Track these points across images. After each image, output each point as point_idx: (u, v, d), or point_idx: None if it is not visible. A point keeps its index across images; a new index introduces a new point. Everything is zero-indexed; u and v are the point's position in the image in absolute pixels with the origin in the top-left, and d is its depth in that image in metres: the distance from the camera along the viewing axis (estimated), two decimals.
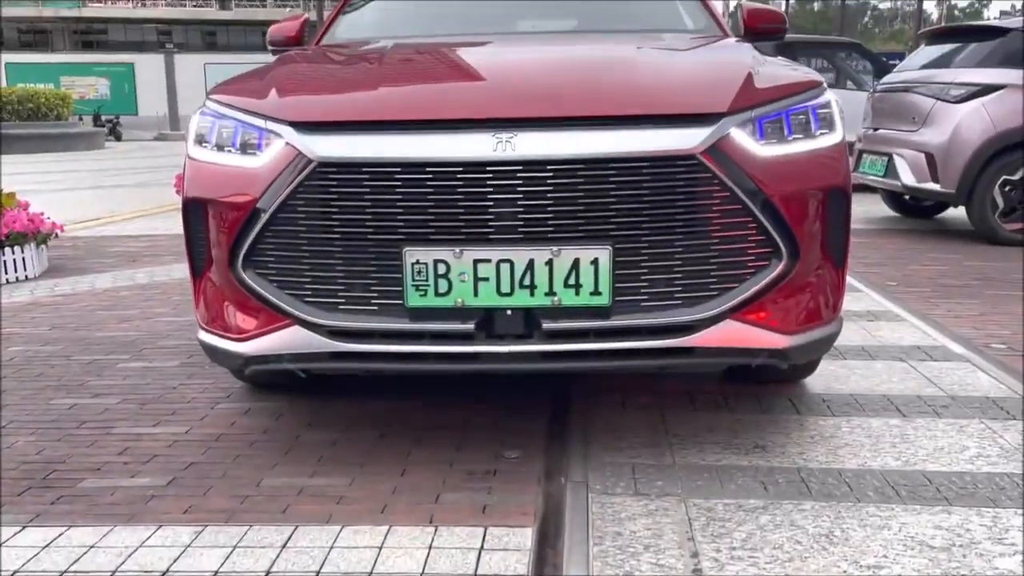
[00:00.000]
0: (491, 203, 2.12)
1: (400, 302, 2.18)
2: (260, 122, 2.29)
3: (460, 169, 2.11)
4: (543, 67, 2.61)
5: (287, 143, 2.22)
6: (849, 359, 3.32)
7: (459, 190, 2.12)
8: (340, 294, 2.22)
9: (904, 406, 2.81)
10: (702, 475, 2.31)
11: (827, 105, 2.41)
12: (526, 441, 2.55)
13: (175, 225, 6.84)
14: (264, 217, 2.21)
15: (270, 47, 3.56)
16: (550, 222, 2.12)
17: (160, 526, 2.08)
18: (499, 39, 3.24)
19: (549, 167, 2.11)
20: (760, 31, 3.43)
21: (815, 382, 3.04)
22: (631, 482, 2.27)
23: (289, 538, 2.01)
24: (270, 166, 2.23)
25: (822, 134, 2.36)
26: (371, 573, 1.86)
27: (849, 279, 4.73)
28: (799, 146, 2.30)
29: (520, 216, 2.12)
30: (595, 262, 2.13)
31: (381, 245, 2.17)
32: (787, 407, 2.82)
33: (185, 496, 2.25)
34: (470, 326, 2.17)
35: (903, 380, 3.08)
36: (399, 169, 2.13)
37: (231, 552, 1.95)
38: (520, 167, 2.11)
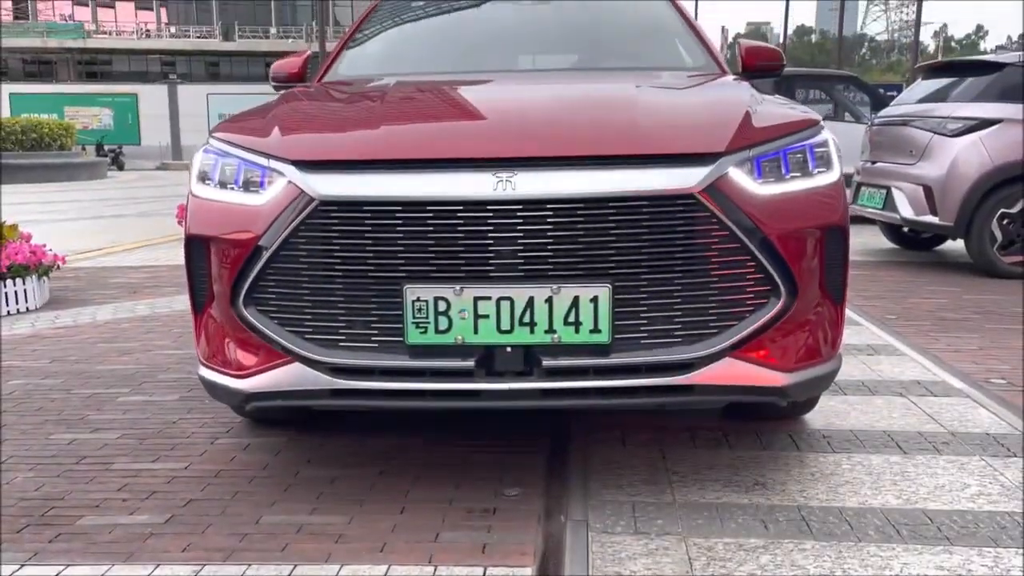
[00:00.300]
0: (491, 241, 2.13)
1: (400, 339, 2.19)
2: (263, 160, 2.32)
3: (461, 208, 2.13)
4: (543, 106, 2.64)
5: (289, 181, 2.24)
6: (849, 394, 3.32)
7: (460, 228, 2.14)
8: (341, 331, 2.23)
9: (904, 442, 2.81)
10: (702, 513, 2.30)
11: (824, 144, 2.44)
12: (526, 478, 2.55)
13: (176, 255, 6.85)
14: (266, 255, 2.23)
15: (273, 83, 3.60)
16: (550, 260, 2.14)
17: (158, 565, 2.07)
18: (500, 77, 3.27)
19: (549, 206, 2.12)
20: (758, 68, 3.47)
21: (815, 418, 3.03)
22: (631, 521, 2.26)
23: None
24: (272, 204, 2.25)
25: (819, 172, 2.38)
26: None
27: (849, 312, 4.73)
28: (797, 185, 2.32)
29: (520, 254, 2.14)
30: (595, 300, 2.14)
31: (382, 282, 2.18)
32: (787, 443, 2.81)
33: (184, 534, 2.24)
34: (470, 363, 2.17)
35: (903, 416, 3.07)
36: (400, 208, 2.15)
37: None
38: (520, 206, 2.12)
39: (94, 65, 54.50)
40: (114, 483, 2.57)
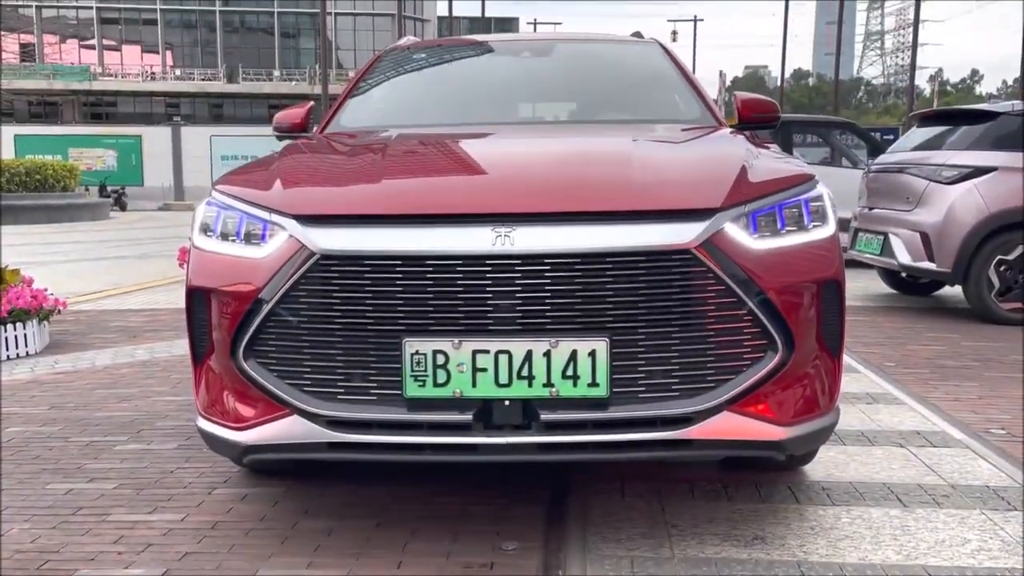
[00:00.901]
0: (490, 295, 2.15)
1: (399, 392, 2.20)
2: (264, 214, 2.34)
3: (460, 262, 2.15)
4: (541, 162, 2.67)
5: (290, 235, 2.26)
6: (848, 444, 3.32)
7: (458, 283, 2.15)
8: (339, 384, 2.24)
9: (904, 495, 2.80)
10: (701, 568, 2.29)
11: (819, 198, 2.47)
12: (524, 531, 2.53)
13: (177, 298, 6.86)
14: (266, 307, 2.24)
15: (276, 133, 3.65)
16: (548, 314, 2.15)
17: None
18: (500, 130, 3.32)
19: (547, 261, 2.14)
20: (753, 120, 3.52)
21: (815, 469, 3.03)
22: None
23: None
24: (273, 257, 2.27)
25: (815, 227, 2.40)
26: None
27: (847, 359, 4.73)
28: (793, 239, 2.35)
29: (518, 308, 2.15)
30: (592, 354, 2.15)
31: (381, 336, 2.19)
32: (787, 496, 2.80)
33: None
34: (468, 417, 2.18)
35: (903, 467, 3.07)
36: (400, 262, 2.17)
37: None
38: (519, 261, 2.14)
39: (99, 107, 55.11)
40: (110, 535, 2.56)
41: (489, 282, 2.15)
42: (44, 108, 55.58)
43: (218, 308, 2.35)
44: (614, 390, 2.18)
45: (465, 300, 2.16)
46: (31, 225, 18.72)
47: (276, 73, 55.42)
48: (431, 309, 2.17)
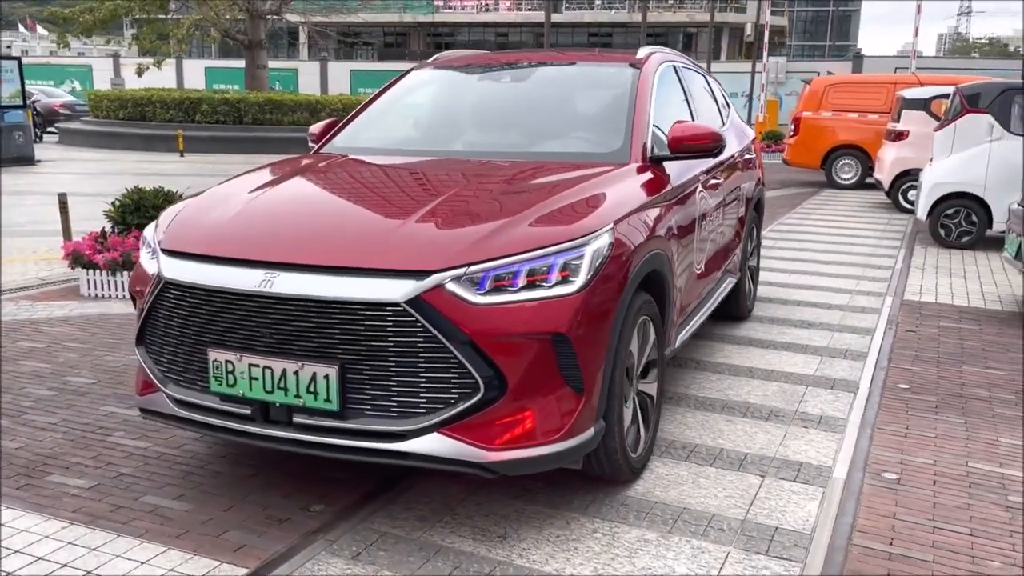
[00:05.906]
0: (256, 324, 2.84)
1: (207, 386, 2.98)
2: (152, 243, 3.24)
3: (237, 297, 2.86)
4: (319, 218, 3.25)
5: (160, 261, 3.12)
6: (713, 467, 3.53)
7: (236, 311, 2.87)
8: (179, 373, 3.08)
9: (683, 522, 3.06)
10: (418, 553, 2.85)
11: (580, 256, 2.83)
12: (338, 500, 3.22)
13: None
14: (146, 311, 3.13)
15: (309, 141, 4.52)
16: (294, 343, 2.80)
17: None
18: (390, 168, 3.87)
19: (291, 302, 2.78)
20: (685, 152, 3.76)
21: (644, 483, 3.35)
22: (363, 548, 2.88)
23: None
24: (155, 275, 3.13)
25: (557, 284, 2.78)
26: None
27: (857, 379, 4.65)
28: (524, 295, 2.75)
29: (275, 336, 2.82)
30: (327, 376, 2.77)
31: (195, 344, 3.00)
32: (580, 505, 3.19)
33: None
34: (247, 411, 2.91)
35: (727, 496, 3.27)
36: (202, 291, 2.93)
37: None
38: (275, 300, 2.81)
39: (439, 37, 60.03)
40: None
41: (255, 314, 2.84)
42: (396, 39, 61.74)
43: (139, 303, 3.27)
44: (347, 406, 2.79)
45: (241, 325, 2.88)
46: None
47: (597, 2, 56.39)
48: (222, 329, 2.92)
